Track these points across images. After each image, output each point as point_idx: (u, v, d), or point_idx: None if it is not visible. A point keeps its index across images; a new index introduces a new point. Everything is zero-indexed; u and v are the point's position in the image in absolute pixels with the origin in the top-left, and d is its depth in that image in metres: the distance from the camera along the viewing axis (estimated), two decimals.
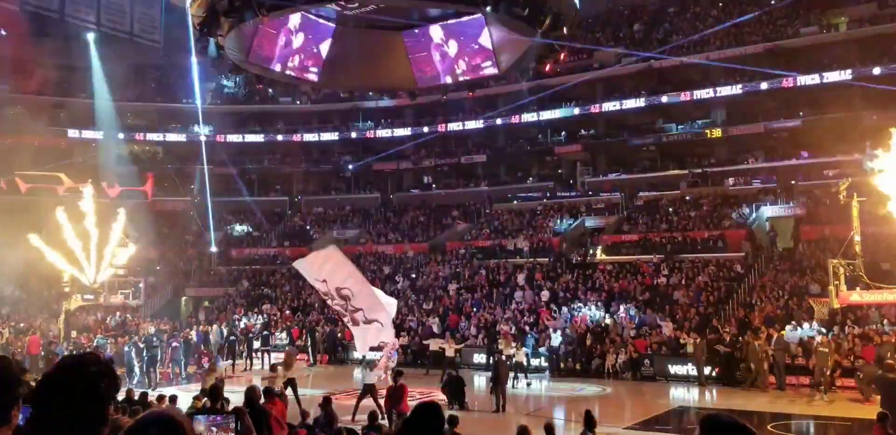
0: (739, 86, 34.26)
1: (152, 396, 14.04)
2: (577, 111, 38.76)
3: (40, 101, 39.75)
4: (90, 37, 36.90)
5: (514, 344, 22.35)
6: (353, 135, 44.71)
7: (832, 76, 32.01)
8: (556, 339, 24.25)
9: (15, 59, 35.76)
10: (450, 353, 22.77)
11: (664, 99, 36.19)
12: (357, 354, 27.17)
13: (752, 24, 36.50)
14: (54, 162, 37.57)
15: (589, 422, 10.00)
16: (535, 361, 24.13)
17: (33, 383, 2.19)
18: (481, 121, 40.99)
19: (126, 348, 23.35)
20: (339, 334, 28.43)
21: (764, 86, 33.65)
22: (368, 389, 16.18)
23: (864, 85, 30.62)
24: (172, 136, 44.55)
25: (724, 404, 18.73)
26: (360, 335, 15.41)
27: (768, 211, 31.57)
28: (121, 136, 43.66)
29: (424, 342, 25.33)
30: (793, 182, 32.44)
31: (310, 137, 45.31)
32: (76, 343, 25.58)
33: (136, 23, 39.42)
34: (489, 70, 15.46)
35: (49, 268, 28.68)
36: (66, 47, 37.31)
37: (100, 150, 42.07)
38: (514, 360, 21.38)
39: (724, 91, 34.73)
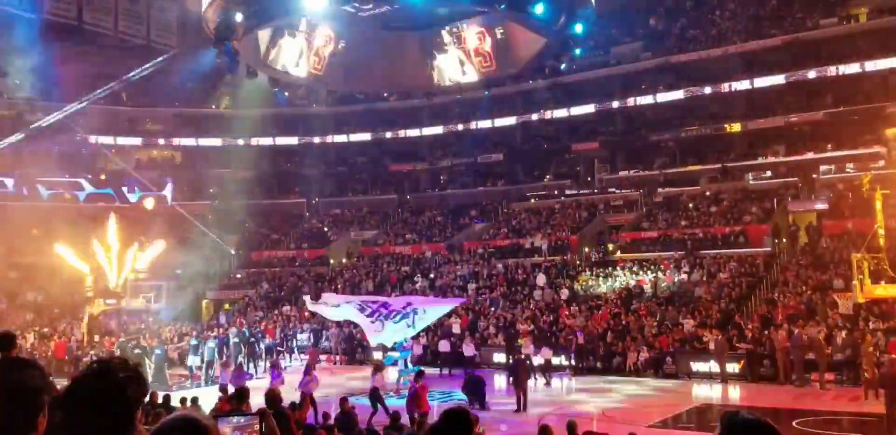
0: (780, 76, 33.71)
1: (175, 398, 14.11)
2: (602, 106, 38.44)
3: (60, 108, 40.10)
4: None
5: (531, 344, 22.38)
6: (370, 136, 44.73)
7: (852, 68, 31.64)
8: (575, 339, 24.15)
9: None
10: (469, 352, 23.40)
11: (684, 93, 35.84)
12: (377, 355, 27.29)
13: (770, 17, 36.20)
14: (75, 168, 37.94)
15: None
16: (555, 360, 24.03)
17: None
18: (497, 119, 40.86)
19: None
20: (357, 335, 28.51)
21: (782, 79, 33.29)
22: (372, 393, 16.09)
23: (885, 76, 30.33)
24: (191, 141, 44.84)
25: (748, 401, 18.58)
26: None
27: (790, 206, 31.29)
28: (140, 141, 44.06)
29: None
30: (814, 176, 32.11)
31: (327, 140, 45.43)
32: (98, 347, 25.77)
33: (153, 29, 39.77)
34: (505, 68, 15.41)
35: (72, 273, 28.92)
36: (87, 54, 37.67)
37: (119, 156, 42.45)
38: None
39: (743, 86, 34.36)
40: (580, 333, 24.07)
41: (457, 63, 16.07)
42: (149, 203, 29.11)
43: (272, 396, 9.00)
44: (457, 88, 18.22)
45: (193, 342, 24.59)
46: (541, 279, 30.22)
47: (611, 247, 32.66)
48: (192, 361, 23.70)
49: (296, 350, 28.62)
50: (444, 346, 25.22)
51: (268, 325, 29.95)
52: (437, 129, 42.49)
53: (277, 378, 16.58)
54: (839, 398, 18.27)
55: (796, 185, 32.47)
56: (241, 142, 44.62)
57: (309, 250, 41.02)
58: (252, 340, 27.04)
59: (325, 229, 43.37)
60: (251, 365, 25.53)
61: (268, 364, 23.41)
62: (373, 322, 18.51)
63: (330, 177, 46.83)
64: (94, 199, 36.41)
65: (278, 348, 27.58)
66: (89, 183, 38.37)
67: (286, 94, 44.32)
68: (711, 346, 21.62)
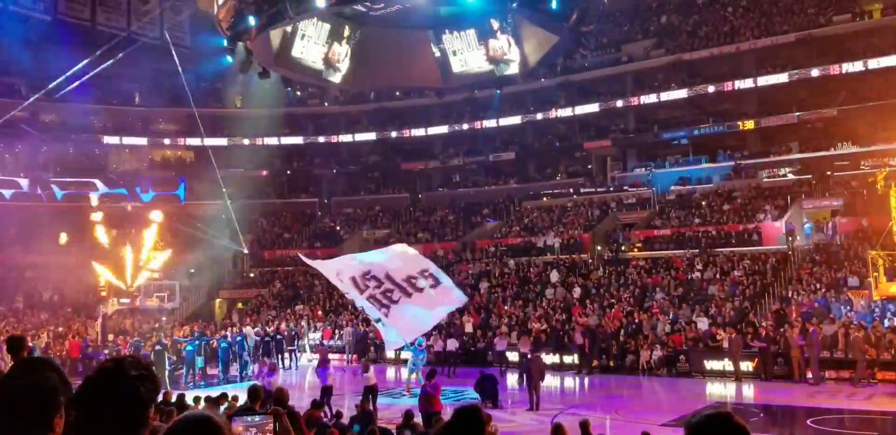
0: (783, 75, 33.49)
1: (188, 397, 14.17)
2: (606, 105, 38.36)
3: (75, 108, 40.36)
4: None
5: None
6: (381, 135, 44.75)
7: (866, 64, 31.41)
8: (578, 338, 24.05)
9: None
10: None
11: (695, 91, 35.65)
12: (390, 354, 27.30)
13: (783, 14, 35.97)
14: (89, 168, 38.17)
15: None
16: (567, 359, 24.01)
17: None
18: (509, 118, 40.80)
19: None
20: (371, 334, 28.53)
21: (795, 76, 33.09)
22: (369, 391, 16.27)
23: None
24: (202, 141, 44.94)
25: (762, 400, 18.50)
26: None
27: (804, 203, 31.11)
28: (153, 141, 44.25)
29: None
30: (828, 173, 31.90)
31: (338, 139, 45.47)
32: (112, 346, 25.91)
33: (166, 29, 39.88)
34: (517, 66, 15.36)
35: (86, 273, 29.10)
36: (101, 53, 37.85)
37: (132, 156, 42.70)
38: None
39: (755, 83, 34.15)
40: (583, 331, 24.02)
41: (468, 61, 16.03)
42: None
43: (280, 395, 9.01)
44: (468, 87, 18.19)
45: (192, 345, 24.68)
46: (554, 276, 30.22)
47: (623, 245, 32.56)
48: (198, 361, 23.82)
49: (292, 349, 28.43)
50: (451, 344, 25.15)
51: (280, 323, 30.05)
52: (447, 128, 42.43)
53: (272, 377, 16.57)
54: (854, 396, 18.15)
55: (810, 183, 32.26)
56: (252, 142, 44.78)
57: (321, 249, 41.05)
58: (267, 338, 27.15)
59: (338, 228, 43.46)
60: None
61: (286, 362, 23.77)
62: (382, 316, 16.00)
63: (342, 176, 46.89)
64: (107, 200, 36.62)
65: (289, 347, 27.68)
66: (103, 183, 38.60)
67: (298, 93, 44.44)
68: (725, 344, 21.53)
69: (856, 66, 31.53)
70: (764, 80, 33.79)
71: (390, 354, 27.50)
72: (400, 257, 14.52)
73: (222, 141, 44.61)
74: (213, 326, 31.39)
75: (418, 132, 43.66)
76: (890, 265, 22.43)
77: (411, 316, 13.82)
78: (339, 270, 14.27)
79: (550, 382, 21.16)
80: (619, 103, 37.81)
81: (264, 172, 45.88)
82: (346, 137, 45.35)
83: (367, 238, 41.54)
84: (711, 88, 34.96)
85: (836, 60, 32.34)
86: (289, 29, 15.18)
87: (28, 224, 33.30)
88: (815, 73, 32.54)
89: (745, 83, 34.27)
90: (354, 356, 28.03)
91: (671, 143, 37.86)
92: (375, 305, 13.86)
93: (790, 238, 28.54)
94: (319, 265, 15.13)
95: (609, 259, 31.66)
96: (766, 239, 29.05)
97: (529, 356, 19.27)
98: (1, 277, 31.53)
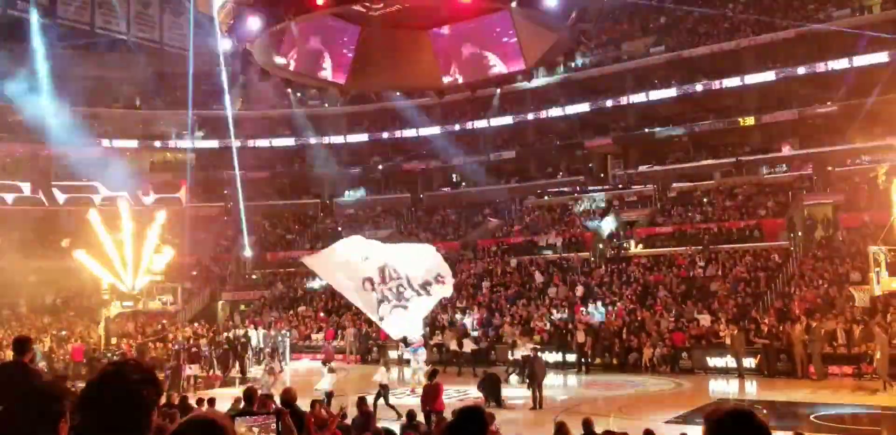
0: (773, 72, 33.56)
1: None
2: (606, 103, 38.32)
3: (75, 112, 40.43)
4: None
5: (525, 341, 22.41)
6: (382, 136, 44.72)
7: (867, 59, 31.35)
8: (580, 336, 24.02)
9: None
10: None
11: (696, 88, 35.62)
12: (393, 354, 27.27)
13: (782, 9, 35.92)
14: (90, 172, 38.17)
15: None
16: (570, 357, 23.99)
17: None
18: (509, 117, 40.77)
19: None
20: (373, 335, 28.54)
21: (800, 71, 33.07)
22: (383, 389, 16.50)
23: None
24: (204, 143, 45.00)
25: (765, 396, 18.48)
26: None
27: (805, 199, 31.08)
28: (154, 144, 44.27)
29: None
30: (829, 169, 31.86)
31: (339, 139, 45.44)
32: (114, 350, 25.90)
33: (165, 32, 39.93)
34: (516, 66, 15.36)
35: (88, 276, 29.13)
36: (98, 58, 37.94)
37: (133, 159, 42.73)
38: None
39: (758, 78, 34.09)
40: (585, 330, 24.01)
41: (467, 61, 16.03)
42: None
43: (288, 396, 9.04)
44: (468, 87, 18.20)
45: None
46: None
47: (625, 243, 32.55)
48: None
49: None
50: (467, 346, 25.02)
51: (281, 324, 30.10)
52: (447, 128, 42.42)
53: None
54: (857, 392, 18.14)
55: (811, 178, 32.22)
56: (253, 143, 44.80)
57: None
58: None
59: (340, 229, 43.42)
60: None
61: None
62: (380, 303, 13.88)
63: (343, 176, 46.83)
64: (109, 203, 36.66)
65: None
66: (104, 186, 38.63)
67: (298, 94, 44.50)
68: (728, 341, 21.53)
69: (865, 60, 31.41)
70: (774, 75, 33.69)
71: (393, 354, 27.48)
72: (423, 260, 14.62)
73: (223, 143, 44.64)
74: (217, 327, 31.40)
75: (419, 132, 43.60)
76: (892, 260, 22.39)
77: (408, 319, 13.93)
78: (344, 268, 14.27)
79: (553, 380, 21.19)
80: (619, 101, 37.78)
81: (265, 174, 45.91)
82: (347, 138, 45.32)
83: (370, 238, 41.48)
84: (699, 87, 35.00)
85: (836, 56, 32.27)
86: (289, 30, 15.18)
87: (30, 228, 33.34)
88: (825, 67, 32.41)
89: (755, 78, 34.10)
90: (356, 357, 28.06)
91: (672, 141, 37.82)
92: (388, 300, 13.74)
93: (791, 234, 28.53)
94: (319, 265, 15.08)
95: (611, 257, 31.66)
96: (768, 235, 29.05)
97: (532, 355, 19.27)
98: (4, 281, 31.53)
